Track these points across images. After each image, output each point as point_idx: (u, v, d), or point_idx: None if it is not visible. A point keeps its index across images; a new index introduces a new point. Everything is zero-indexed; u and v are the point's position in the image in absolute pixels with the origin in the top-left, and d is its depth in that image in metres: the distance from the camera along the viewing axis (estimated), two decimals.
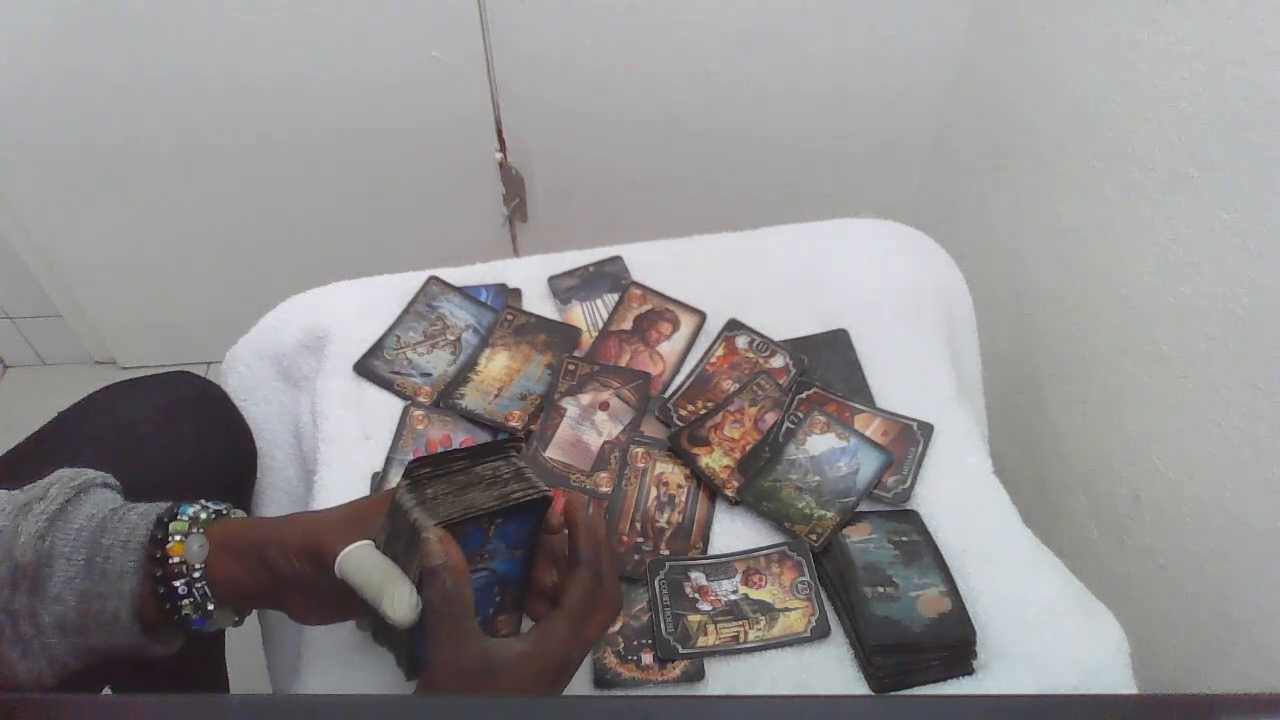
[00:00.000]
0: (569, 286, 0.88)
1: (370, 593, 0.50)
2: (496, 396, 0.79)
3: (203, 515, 0.57)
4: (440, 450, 0.75)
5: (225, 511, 0.59)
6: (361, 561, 0.51)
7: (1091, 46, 0.94)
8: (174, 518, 0.56)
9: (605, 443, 0.77)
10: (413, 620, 0.49)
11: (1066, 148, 0.99)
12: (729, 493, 0.74)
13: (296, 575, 0.54)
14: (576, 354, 0.83)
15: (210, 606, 0.55)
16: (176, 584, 0.54)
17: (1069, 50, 0.98)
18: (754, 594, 0.68)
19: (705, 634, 0.66)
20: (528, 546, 0.55)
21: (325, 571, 0.53)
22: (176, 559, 0.54)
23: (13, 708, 0.34)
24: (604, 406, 0.79)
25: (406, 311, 0.85)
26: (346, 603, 0.54)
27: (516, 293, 0.88)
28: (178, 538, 0.55)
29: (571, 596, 0.52)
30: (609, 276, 0.89)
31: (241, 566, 0.55)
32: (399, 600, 0.49)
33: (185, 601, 0.55)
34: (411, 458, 0.75)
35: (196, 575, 0.55)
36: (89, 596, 0.53)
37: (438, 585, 0.48)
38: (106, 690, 0.71)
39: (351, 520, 0.54)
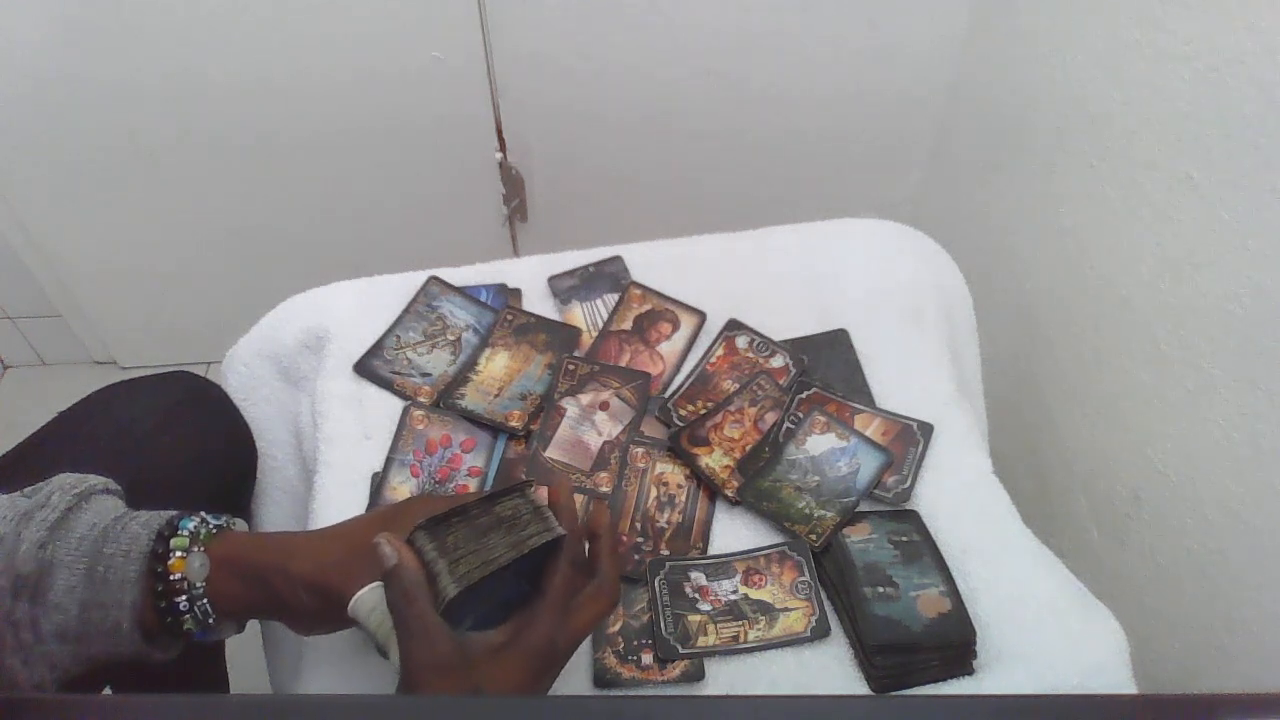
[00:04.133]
0: (569, 286, 0.88)
1: (379, 638, 0.52)
2: (496, 396, 0.79)
3: (203, 531, 0.57)
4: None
5: (226, 524, 0.59)
6: (375, 607, 0.52)
7: (1091, 46, 0.94)
8: (175, 532, 0.56)
9: (605, 443, 0.77)
10: None
11: (1066, 148, 0.99)
12: (729, 493, 0.74)
13: (303, 605, 0.55)
14: (576, 354, 0.83)
15: (211, 621, 0.56)
16: (178, 600, 0.55)
17: (1069, 50, 0.98)
18: (754, 594, 0.68)
19: (705, 634, 0.66)
20: (538, 573, 0.54)
21: (332, 605, 0.54)
22: (177, 575, 0.55)
23: (13, 708, 0.34)
24: (604, 406, 0.79)
25: (406, 311, 0.85)
26: (345, 619, 0.54)
27: (516, 293, 0.88)
28: (178, 554, 0.55)
29: (551, 584, 0.51)
30: (609, 276, 0.89)
31: (243, 585, 0.56)
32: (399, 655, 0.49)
33: (186, 616, 0.55)
34: (412, 459, 0.75)
35: (198, 592, 0.55)
36: (90, 606, 0.53)
37: (394, 586, 0.48)
38: (107, 690, 0.71)
39: (358, 554, 0.54)
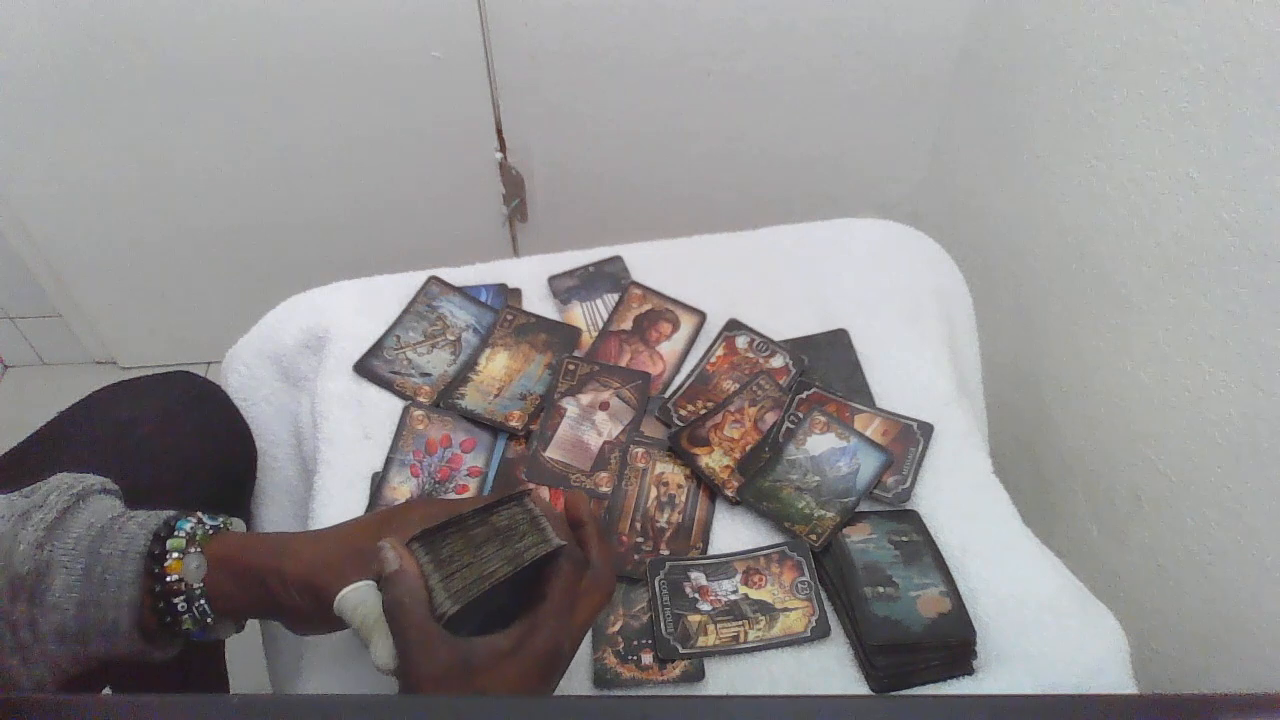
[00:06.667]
0: (569, 286, 0.88)
1: (363, 635, 0.51)
2: (496, 396, 0.79)
3: (199, 532, 0.57)
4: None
5: (222, 525, 0.59)
6: (358, 605, 0.52)
7: (1091, 46, 0.94)
8: (171, 533, 0.56)
9: (605, 443, 0.77)
10: (394, 669, 0.49)
11: (1066, 147, 0.99)
12: (729, 493, 0.74)
13: (295, 605, 0.55)
14: (576, 354, 0.83)
15: (209, 621, 0.56)
16: (176, 600, 0.55)
17: (1069, 50, 0.98)
18: (754, 594, 0.68)
19: (705, 634, 0.66)
20: (534, 579, 0.54)
21: (323, 605, 0.53)
22: (174, 576, 0.55)
23: (13, 708, 0.34)
24: (604, 406, 0.79)
25: (406, 311, 0.85)
26: (339, 620, 0.54)
27: (516, 293, 0.88)
28: (175, 555, 0.55)
29: (553, 588, 0.51)
30: (609, 276, 0.89)
31: (239, 586, 0.56)
32: (383, 651, 0.50)
33: (184, 616, 0.55)
34: (412, 459, 0.75)
35: (195, 593, 0.55)
36: (88, 605, 0.53)
37: (392, 593, 0.48)
38: (107, 690, 0.71)
39: (350, 555, 0.54)
